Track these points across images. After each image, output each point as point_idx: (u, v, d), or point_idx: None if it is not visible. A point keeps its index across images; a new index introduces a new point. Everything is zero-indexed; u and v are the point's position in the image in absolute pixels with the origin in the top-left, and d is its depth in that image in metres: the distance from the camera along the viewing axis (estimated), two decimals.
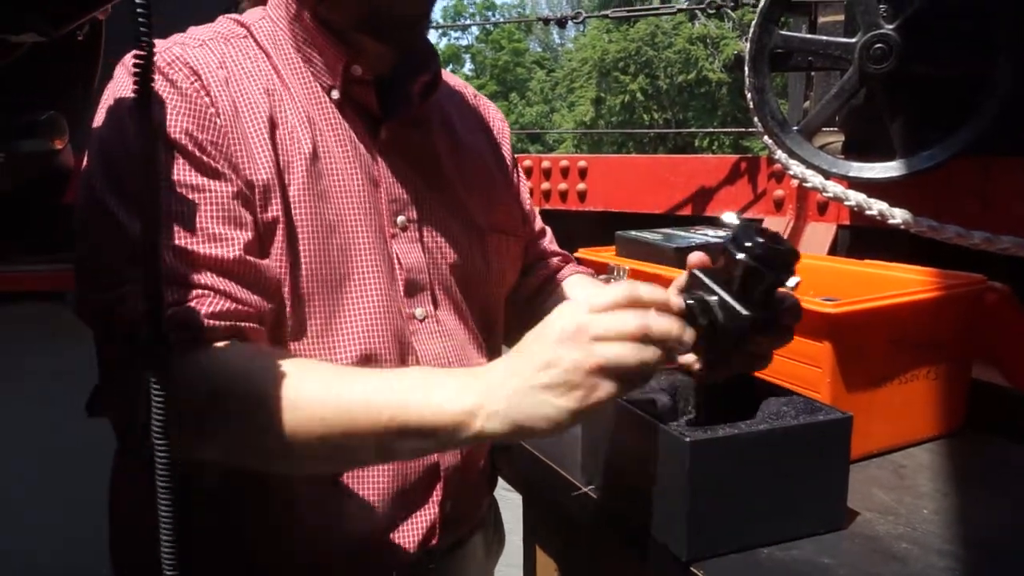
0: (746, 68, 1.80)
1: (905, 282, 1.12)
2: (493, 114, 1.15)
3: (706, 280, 0.72)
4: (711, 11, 2.58)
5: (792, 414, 0.79)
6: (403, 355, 0.89)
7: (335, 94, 0.89)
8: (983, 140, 1.61)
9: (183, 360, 0.70)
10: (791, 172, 1.77)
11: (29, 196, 0.55)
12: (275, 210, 0.80)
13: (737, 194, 2.27)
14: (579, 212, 2.46)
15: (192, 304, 0.73)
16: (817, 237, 2.05)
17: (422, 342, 0.91)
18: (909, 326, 1.00)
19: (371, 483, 0.88)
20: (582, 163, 2.48)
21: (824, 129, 1.91)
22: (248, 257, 0.77)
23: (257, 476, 0.82)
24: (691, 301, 0.71)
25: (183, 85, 0.79)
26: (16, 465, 1.88)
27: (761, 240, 0.71)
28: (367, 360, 0.86)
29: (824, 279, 1.26)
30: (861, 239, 1.98)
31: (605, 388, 0.64)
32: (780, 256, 0.71)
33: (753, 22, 1.80)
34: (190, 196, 0.76)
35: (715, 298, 0.71)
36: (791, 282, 0.79)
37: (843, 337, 0.94)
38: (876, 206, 1.59)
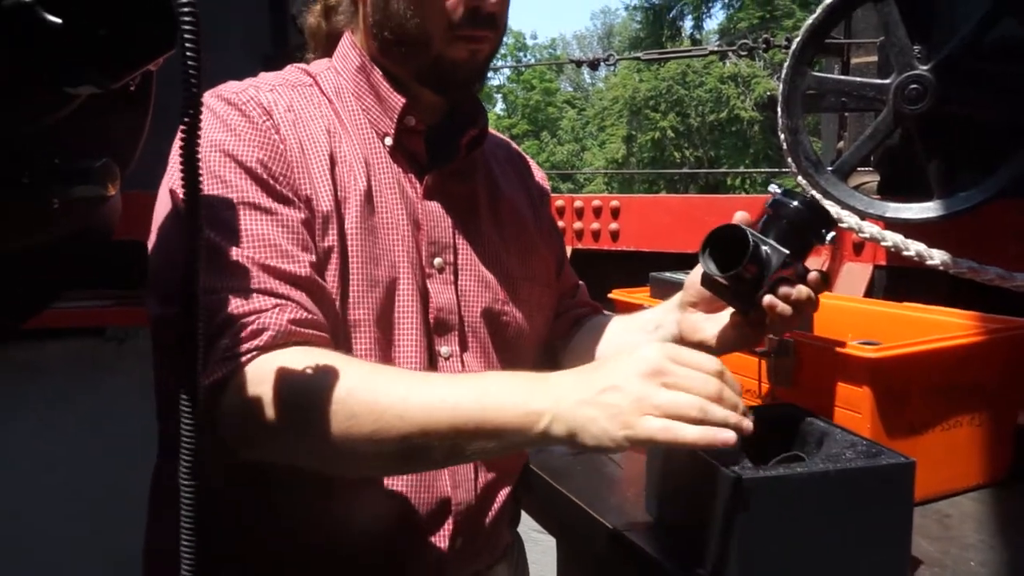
0: (779, 109, 1.80)
1: (947, 326, 1.10)
2: (535, 172, 1.20)
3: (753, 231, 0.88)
4: (742, 53, 2.59)
5: (851, 456, 0.77)
6: None
7: (388, 140, 0.96)
8: (1022, 181, 1.58)
9: (264, 364, 0.75)
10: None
11: (80, 240, 0.56)
12: (332, 239, 0.87)
13: None
14: (612, 252, 2.46)
15: (274, 310, 0.78)
16: (853, 278, 2.03)
17: None
18: (952, 371, 0.98)
19: (380, 514, 0.89)
20: (615, 202, 2.49)
21: (859, 169, 1.90)
22: (316, 277, 0.83)
23: (261, 502, 0.86)
24: (744, 227, 0.87)
25: (257, 121, 0.86)
26: (57, 494, 1.90)
27: (804, 199, 0.88)
28: None
29: (861, 321, 1.24)
30: (898, 280, 1.95)
31: (650, 431, 0.67)
32: (819, 211, 0.88)
33: (786, 63, 1.81)
34: (263, 217, 0.82)
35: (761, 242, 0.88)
36: (828, 237, 0.92)
37: (884, 382, 0.92)
38: (914, 247, 1.57)
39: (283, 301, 0.80)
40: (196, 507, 0.58)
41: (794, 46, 1.76)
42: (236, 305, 0.78)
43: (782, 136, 1.81)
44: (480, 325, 0.99)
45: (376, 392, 0.73)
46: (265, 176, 0.84)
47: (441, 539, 0.93)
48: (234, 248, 0.80)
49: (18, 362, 1.91)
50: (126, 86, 0.50)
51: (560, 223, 2.49)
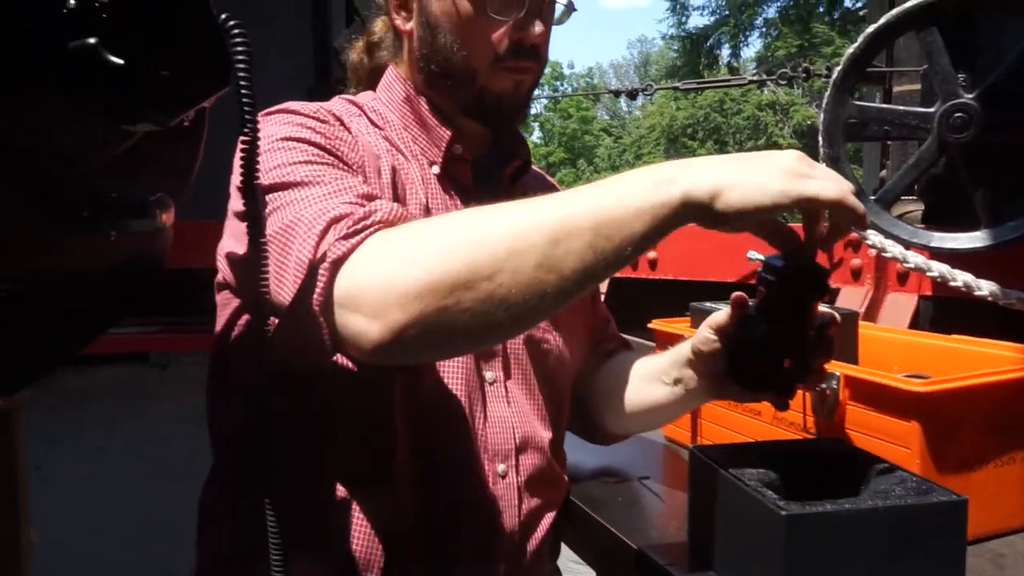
0: (820, 138, 1.79)
1: (997, 359, 1.07)
2: None
3: (751, 315, 0.85)
4: (782, 82, 2.58)
5: (900, 493, 0.75)
6: (472, 410, 0.93)
7: (436, 168, 0.98)
8: None
9: (391, 232, 0.73)
10: (869, 241, 1.74)
11: (135, 270, 0.58)
12: None
13: None
14: (650, 280, 2.45)
15: (371, 205, 0.76)
16: (898, 308, 1.99)
17: (490, 404, 0.95)
18: (1005, 406, 0.95)
19: (425, 536, 0.89)
20: None
21: (902, 198, 1.87)
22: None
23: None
24: (754, 341, 0.83)
25: (333, 123, 0.88)
26: (105, 517, 1.93)
27: (785, 263, 0.79)
28: (441, 407, 0.90)
29: (907, 354, 1.22)
30: (945, 311, 1.91)
31: (809, 188, 0.68)
32: (805, 275, 0.79)
33: (827, 92, 1.80)
34: (343, 175, 0.82)
35: (764, 328, 0.82)
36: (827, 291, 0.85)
37: (934, 417, 0.90)
38: (961, 277, 1.54)
39: (393, 205, 0.78)
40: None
41: (835, 75, 1.75)
42: (336, 212, 0.75)
43: (823, 165, 1.79)
44: (523, 352, 1.00)
45: (507, 211, 0.71)
46: (339, 154, 0.85)
47: (484, 566, 0.92)
48: (319, 192, 0.78)
49: (67, 388, 1.95)
50: (180, 121, 0.52)
51: None
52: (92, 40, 0.42)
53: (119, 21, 0.42)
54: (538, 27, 0.93)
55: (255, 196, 0.64)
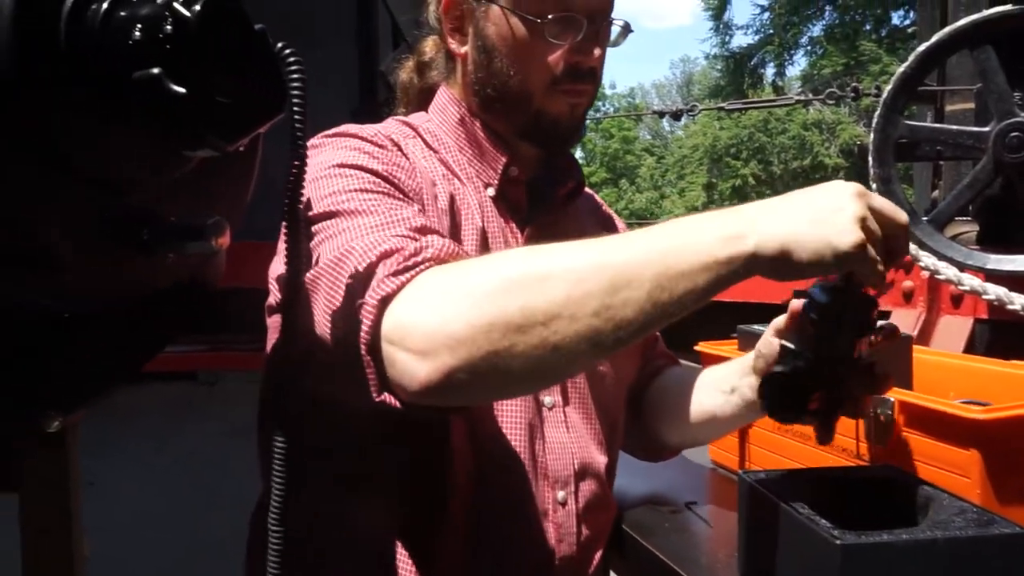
0: (870, 158, 1.76)
1: None
2: (618, 223, 1.21)
3: (792, 347, 0.80)
4: (830, 102, 2.55)
5: (960, 524, 0.73)
6: (532, 437, 0.92)
7: (491, 191, 0.98)
8: None
9: (441, 271, 0.70)
10: (922, 264, 1.70)
11: (190, 291, 0.59)
12: None
13: None
14: None
15: (433, 236, 0.75)
16: (951, 332, 1.94)
17: (549, 429, 0.95)
18: None
19: (485, 567, 0.88)
20: None
21: (956, 219, 1.83)
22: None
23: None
24: (787, 372, 0.79)
25: (389, 148, 0.88)
26: (155, 535, 1.96)
27: (830, 295, 0.76)
28: (499, 433, 0.89)
29: (962, 379, 1.19)
30: (1001, 335, 1.85)
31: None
32: (849, 307, 0.76)
33: (877, 112, 1.77)
34: (398, 204, 0.80)
35: (803, 362, 0.78)
36: (878, 324, 0.82)
37: (995, 446, 0.87)
38: (1019, 300, 1.50)
39: (432, 238, 0.75)
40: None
41: (885, 94, 1.73)
42: (389, 245, 0.73)
43: (873, 186, 1.76)
44: (580, 377, 0.99)
45: (567, 253, 0.68)
46: (396, 181, 0.84)
47: None
48: (374, 222, 0.76)
49: (118, 405, 1.99)
50: (236, 147, 0.53)
51: None
52: (156, 70, 0.43)
53: (181, 51, 0.43)
54: (595, 51, 0.93)
55: (298, 229, 0.64)
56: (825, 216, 0.67)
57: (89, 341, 0.57)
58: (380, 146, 0.88)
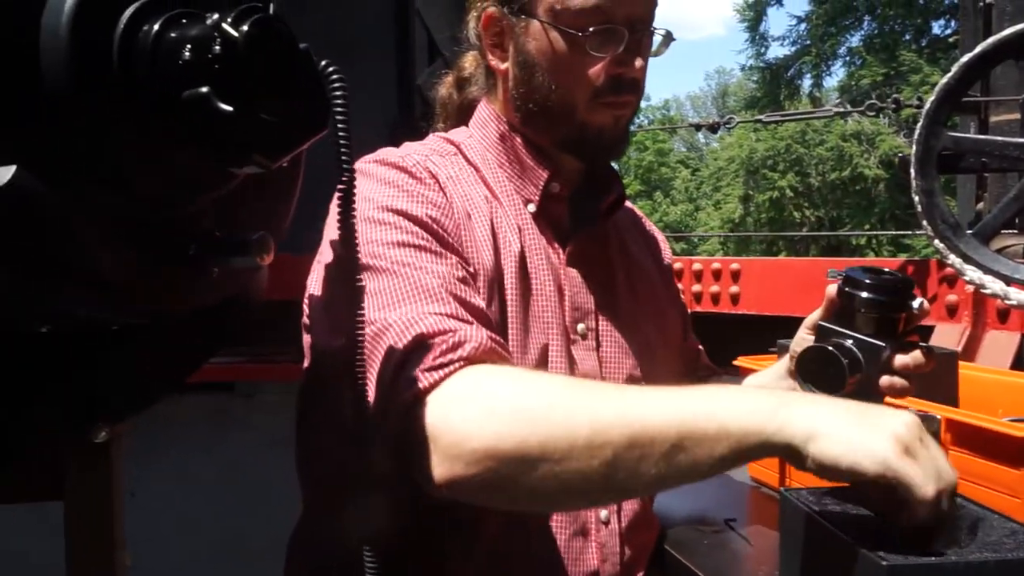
0: (912, 170, 1.73)
1: None
2: (658, 236, 1.20)
3: (834, 327, 0.84)
4: (871, 113, 2.52)
5: (1011, 545, 0.70)
6: None
7: (532, 207, 0.97)
8: None
9: (469, 377, 0.73)
10: (967, 278, 1.66)
11: (235, 304, 0.60)
12: (495, 304, 0.87)
13: None
14: (732, 315, 2.40)
15: (470, 326, 0.76)
16: (998, 347, 1.90)
17: None
18: None
19: None
20: (735, 265, 2.44)
21: (1002, 231, 1.79)
22: (489, 314, 0.83)
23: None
24: (830, 348, 0.82)
25: (427, 182, 0.88)
26: (194, 545, 1.99)
27: (871, 277, 0.82)
28: None
29: (1010, 396, 1.16)
30: None
31: (911, 471, 0.64)
32: (892, 285, 0.82)
33: (919, 123, 1.74)
34: (437, 259, 0.82)
35: (849, 341, 0.83)
36: (915, 303, 0.85)
37: None
38: None
39: (467, 323, 0.77)
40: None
41: (928, 105, 1.70)
42: (425, 327, 0.75)
43: (916, 198, 1.73)
44: None
45: (595, 397, 0.71)
46: (436, 227, 0.84)
47: None
48: (418, 279, 0.79)
49: (158, 415, 2.02)
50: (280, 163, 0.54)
51: (678, 285, 2.46)
52: (204, 89, 0.44)
53: (229, 71, 0.44)
54: (637, 62, 0.92)
55: (351, 246, 0.64)
56: (873, 420, 0.66)
57: (137, 353, 0.58)
58: (419, 180, 0.88)
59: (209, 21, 0.45)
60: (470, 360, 0.73)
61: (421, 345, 0.74)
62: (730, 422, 0.66)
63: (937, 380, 1.09)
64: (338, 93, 0.55)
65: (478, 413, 0.70)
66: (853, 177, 21.33)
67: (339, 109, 0.55)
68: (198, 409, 2.14)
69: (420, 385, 0.72)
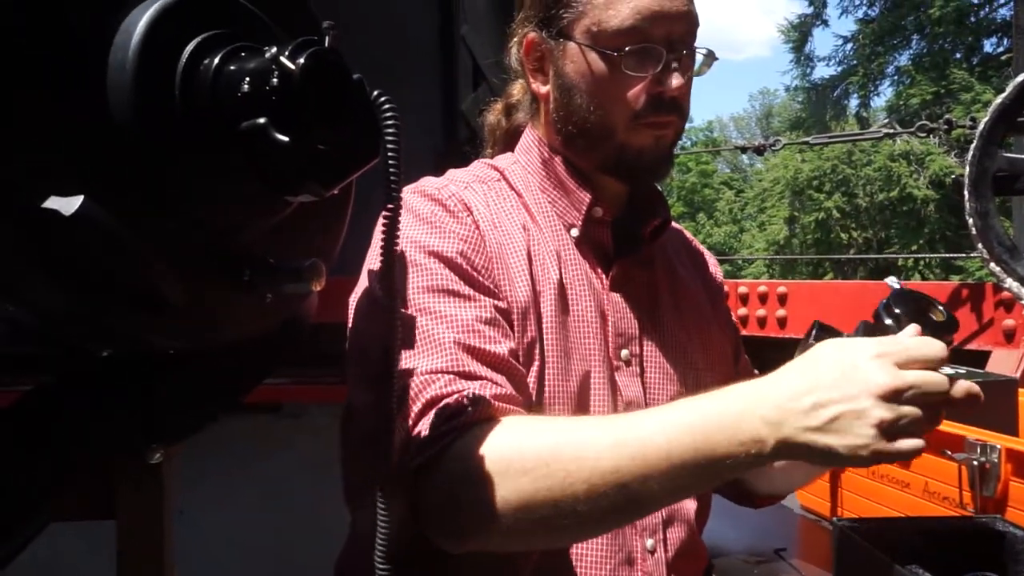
0: (966, 192, 1.70)
1: None
2: (709, 259, 1.19)
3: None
4: (921, 134, 2.47)
5: None
6: None
7: (575, 232, 0.96)
8: None
9: (469, 441, 0.75)
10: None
11: (286, 329, 0.61)
12: (530, 334, 0.87)
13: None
14: (779, 339, 2.37)
15: (476, 386, 0.79)
16: None
17: None
18: None
19: None
20: (781, 288, 2.40)
21: None
22: (513, 362, 0.84)
23: None
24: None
25: (461, 216, 0.89)
26: (242, 565, 2.01)
27: (911, 307, 0.75)
28: None
29: None
30: None
31: (899, 450, 0.66)
32: (933, 326, 0.73)
33: (972, 144, 1.71)
34: (464, 303, 0.84)
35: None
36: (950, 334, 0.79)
37: None
38: None
39: (484, 381, 0.80)
40: None
41: (982, 126, 1.66)
42: (438, 387, 0.79)
43: (970, 220, 1.70)
44: None
45: (584, 446, 0.72)
46: (466, 266, 0.86)
47: None
48: (434, 332, 0.81)
49: (207, 436, 2.05)
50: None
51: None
52: (262, 120, 0.45)
53: (286, 102, 0.45)
54: (675, 80, 0.90)
55: (393, 275, 0.64)
56: (850, 414, 0.67)
57: (192, 376, 0.59)
58: (451, 213, 0.89)
59: (267, 54, 0.46)
60: (466, 426, 0.76)
61: (426, 409, 0.78)
62: (725, 457, 0.69)
63: (994, 408, 1.05)
64: (390, 123, 0.56)
65: (476, 486, 0.73)
66: (902, 197, 20.93)
67: (390, 138, 0.56)
68: (247, 430, 2.16)
69: (421, 459, 0.76)
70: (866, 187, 21.92)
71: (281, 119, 0.46)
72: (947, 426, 1.10)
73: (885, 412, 0.66)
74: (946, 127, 2.36)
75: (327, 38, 0.48)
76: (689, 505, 0.96)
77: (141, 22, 0.45)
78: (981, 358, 1.96)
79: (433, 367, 0.79)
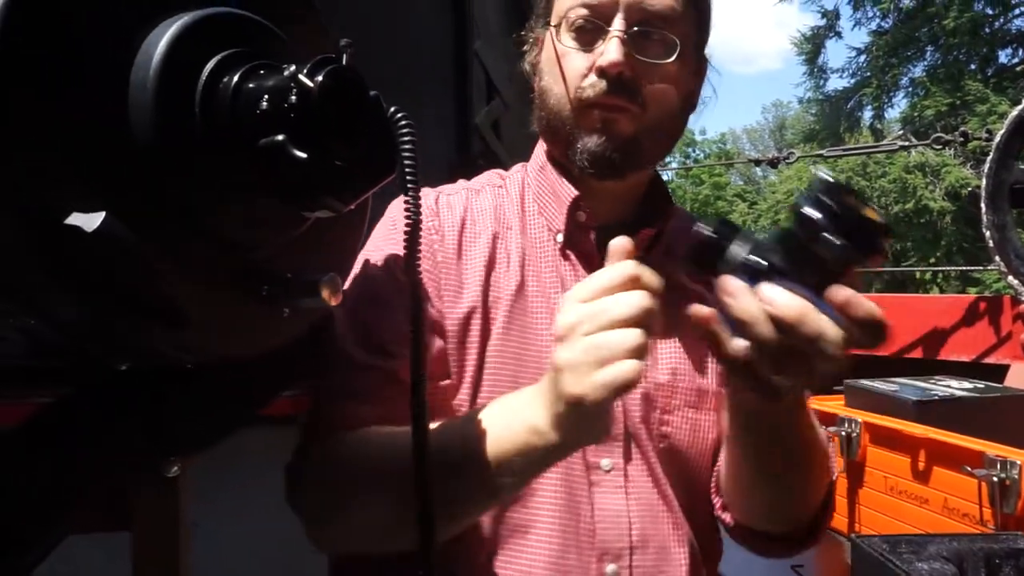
0: (982, 205, 1.69)
1: None
2: None
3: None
4: (937, 147, 2.46)
5: None
6: (574, 502, 0.85)
7: (560, 238, 0.92)
8: None
9: (327, 448, 0.87)
10: None
11: (303, 342, 0.61)
12: (473, 340, 0.87)
13: (976, 336, 2.07)
14: None
15: (347, 407, 0.86)
16: None
17: (601, 495, 0.87)
18: None
19: None
20: None
21: None
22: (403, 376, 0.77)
23: None
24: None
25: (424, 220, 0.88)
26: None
27: (837, 201, 0.59)
28: (531, 501, 0.85)
29: None
30: None
31: (600, 389, 0.64)
32: (855, 223, 0.58)
33: (989, 156, 1.70)
34: (384, 313, 0.85)
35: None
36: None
37: None
38: None
39: (362, 396, 0.86)
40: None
41: (998, 138, 1.66)
42: (325, 398, 0.90)
43: (987, 233, 1.69)
44: (644, 434, 0.89)
45: (392, 459, 0.76)
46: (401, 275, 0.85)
47: None
48: (342, 341, 0.87)
49: (221, 448, 2.06)
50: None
51: None
52: (280, 137, 0.46)
53: (304, 119, 0.46)
54: (612, 52, 0.83)
55: (417, 290, 0.64)
56: (564, 390, 0.67)
57: (210, 389, 0.60)
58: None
59: (286, 72, 0.47)
60: (324, 435, 0.89)
61: (312, 416, 0.94)
62: (514, 457, 0.71)
63: (1014, 422, 1.05)
64: (406, 139, 0.56)
65: (314, 489, 0.90)
66: (917, 210, 20.80)
67: (407, 154, 0.56)
68: (260, 441, 2.16)
69: (295, 459, 0.92)
70: (881, 199, 21.81)
71: (299, 136, 0.46)
72: (967, 442, 1.08)
73: (565, 352, 0.65)
74: (962, 139, 2.34)
75: (344, 56, 0.49)
76: (666, 531, 0.89)
77: (162, 42, 0.46)
78: (999, 372, 1.94)
79: (338, 379, 0.88)
